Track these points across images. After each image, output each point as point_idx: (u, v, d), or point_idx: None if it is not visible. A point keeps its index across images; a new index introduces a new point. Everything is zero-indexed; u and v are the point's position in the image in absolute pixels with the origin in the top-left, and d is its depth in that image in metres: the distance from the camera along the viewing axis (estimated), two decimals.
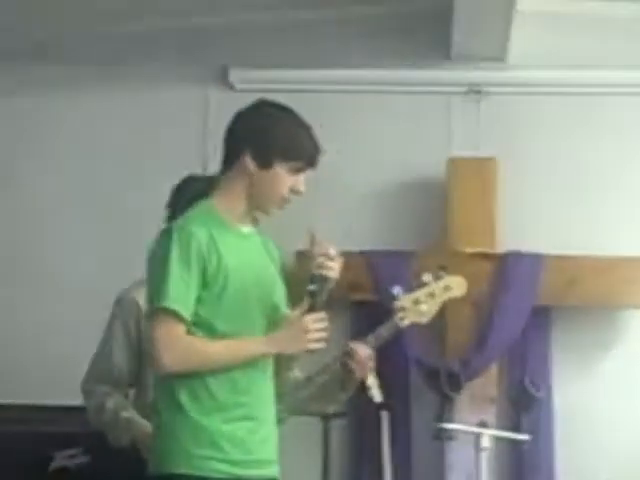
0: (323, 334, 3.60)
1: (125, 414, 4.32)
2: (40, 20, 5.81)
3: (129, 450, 4.23)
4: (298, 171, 3.67)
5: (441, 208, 5.79)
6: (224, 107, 5.26)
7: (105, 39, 5.96)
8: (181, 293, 3.58)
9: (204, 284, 3.62)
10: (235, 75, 5.88)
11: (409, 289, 4.39)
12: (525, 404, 5.47)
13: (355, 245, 5.49)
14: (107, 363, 4.44)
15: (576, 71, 5.88)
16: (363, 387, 4.44)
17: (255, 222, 3.83)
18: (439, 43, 5.80)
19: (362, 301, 5.52)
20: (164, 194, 4.42)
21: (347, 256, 4.98)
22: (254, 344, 3.65)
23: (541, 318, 5.69)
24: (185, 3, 5.71)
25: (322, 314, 3.61)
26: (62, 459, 5.22)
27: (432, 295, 4.34)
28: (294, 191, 3.69)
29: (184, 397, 3.59)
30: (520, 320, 5.61)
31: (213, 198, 3.77)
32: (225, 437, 3.58)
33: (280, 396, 3.87)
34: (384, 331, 4.26)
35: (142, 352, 4.40)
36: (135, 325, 4.34)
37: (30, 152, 6.05)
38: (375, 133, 5.88)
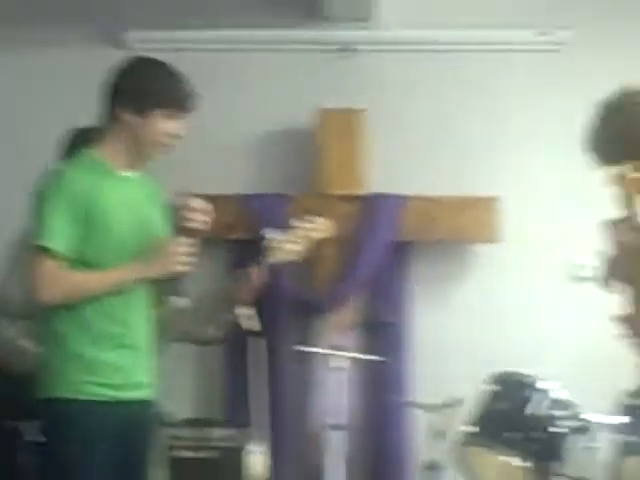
0: (188, 259, 3.75)
1: (21, 342, 4.46)
2: None
3: (25, 377, 4.18)
4: (172, 117, 3.76)
5: (313, 155, 5.92)
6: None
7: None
8: (58, 232, 3.68)
9: (84, 223, 3.69)
10: (133, 35, 5.91)
11: (281, 230, 4.56)
12: (382, 330, 5.65)
13: (233, 189, 5.75)
14: (5, 289, 4.50)
15: (440, 30, 6.04)
16: (239, 316, 4.66)
17: (143, 167, 3.89)
18: (312, 4, 5.87)
19: (238, 240, 5.67)
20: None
21: (225, 199, 5.36)
22: (123, 271, 3.75)
23: (402, 253, 5.92)
24: None
25: (187, 239, 3.76)
26: None
27: (299, 236, 4.49)
28: (172, 135, 3.79)
29: (63, 328, 3.70)
30: (381, 255, 5.84)
31: (96, 147, 3.84)
32: (102, 364, 3.69)
33: (164, 323, 3.99)
34: (258, 265, 4.42)
35: None
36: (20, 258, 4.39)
37: None
38: (252, 89, 6.00)
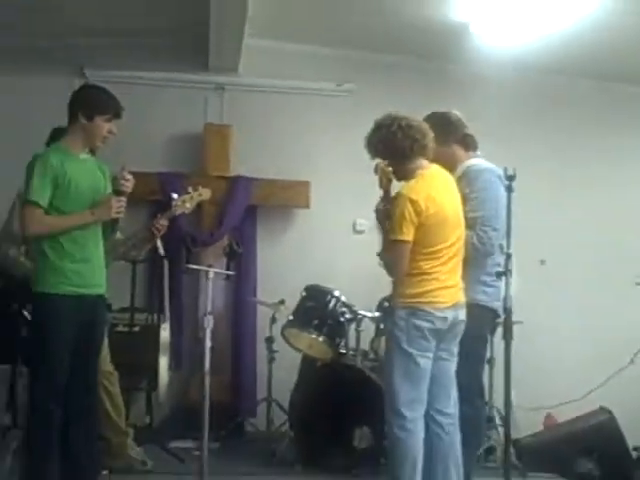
0: (121, 209, 3.82)
1: (21, 259, 4.45)
2: None
3: (24, 279, 4.17)
4: (109, 120, 3.81)
5: (201, 150, 5.96)
6: None
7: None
8: (39, 190, 3.70)
9: (55, 186, 3.71)
10: (89, 72, 5.84)
11: (181, 194, 4.49)
12: (236, 257, 5.47)
13: (154, 169, 5.74)
14: (10, 227, 4.47)
15: (277, 80, 6.07)
16: (155, 246, 4.65)
17: (92, 152, 3.91)
18: (201, 59, 5.88)
19: (155, 200, 5.61)
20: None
21: (147, 175, 5.41)
22: (83, 216, 3.78)
23: (252, 212, 6.02)
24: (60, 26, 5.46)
25: (121, 198, 3.81)
26: None
27: (192, 198, 4.44)
28: (110, 132, 3.84)
29: (46, 249, 3.74)
30: (240, 213, 5.92)
31: (64, 139, 3.89)
32: (69, 271, 3.74)
33: (109, 249, 4.03)
34: (167, 214, 4.37)
35: None
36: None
37: None
38: (161, 111, 5.94)
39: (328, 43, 5.96)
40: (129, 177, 3.87)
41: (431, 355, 3.64)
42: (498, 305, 3.88)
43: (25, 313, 4.42)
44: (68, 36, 5.65)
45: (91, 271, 3.85)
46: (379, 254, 3.77)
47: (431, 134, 3.71)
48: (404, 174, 3.71)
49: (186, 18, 5.40)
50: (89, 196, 3.86)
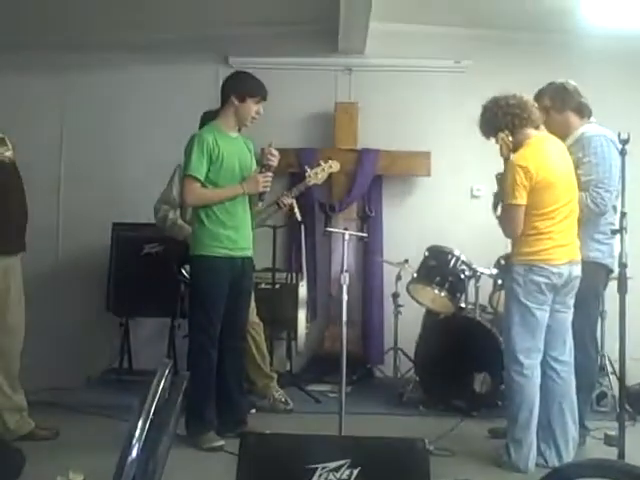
0: (267, 183, 3.94)
1: (179, 222, 4.54)
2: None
3: (183, 242, 4.35)
4: (258, 102, 3.95)
5: (332, 126, 5.92)
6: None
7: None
8: (197, 166, 3.86)
9: (210, 161, 3.86)
10: (233, 60, 5.86)
11: (314, 167, 4.58)
12: (367, 219, 5.76)
13: (291, 145, 5.68)
14: (169, 194, 4.56)
15: (400, 59, 5.96)
16: (292, 212, 4.70)
17: (240, 130, 4.04)
18: (331, 43, 5.84)
19: (292, 172, 5.64)
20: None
21: (286, 150, 5.25)
22: (234, 188, 3.91)
23: (378, 181, 5.95)
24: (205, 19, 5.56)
25: (267, 173, 3.93)
26: (148, 248, 5.39)
27: (323, 170, 4.52)
28: (258, 113, 3.99)
29: (203, 217, 3.92)
30: (367, 182, 5.87)
31: (217, 120, 4.02)
32: (224, 236, 3.90)
33: (253, 216, 4.13)
34: (301, 186, 4.50)
35: None
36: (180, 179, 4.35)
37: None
38: (297, 92, 5.89)
39: (446, 23, 5.82)
40: (275, 153, 3.96)
41: (547, 308, 3.62)
42: (611, 262, 3.82)
43: (184, 272, 4.56)
44: (213, 27, 5.75)
45: (241, 236, 3.96)
46: (499, 218, 3.75)
47: (532, 106, 3.69)
48: (514, 145, 3.67)
49: (317, 7, 5.42)
50: (239, 170, 3.96)
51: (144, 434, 1.66)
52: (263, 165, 3.98)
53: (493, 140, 3.74)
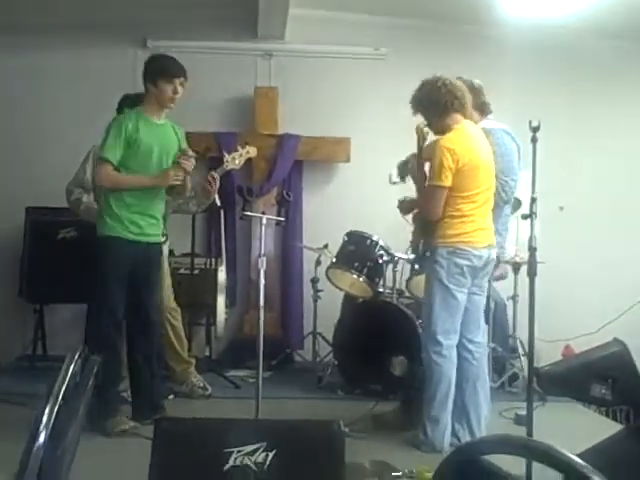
0: (178, 178, 3.88)
1: (94, 205, 4.38)
2: None
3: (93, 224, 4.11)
4: (171, 82, 3.81)
5: (252, 111, 5.90)
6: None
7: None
8: (111, 149, 3.79)
9: (127, 146, 3.80)
10: (150, 43, 5.81)
11: (233, 151, 4.49)
12: (286, 204, 5.82)
13: (211, 129, 5.73)
14: (82, 176, 4.48)
15: (319, 45, 5.96)
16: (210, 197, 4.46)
17: (166, 114, 3.92)
18: (251, 28, 5.86)
19: (212, 156, 5.21)
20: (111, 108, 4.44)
21: (205, 134, 5.46)
22: (148, 179, 3.87)
23: (298, 166, 5.97)
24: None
25: (178, 171, 3.87)
26: (63, 233, 5.26)
27: (241, 155, 4.43)
28: (175, 92, 3.84)
29: (111, 199, 3.84)
30: (287, 168, 5.87)
31: (142, 105, 3.92)
32: (128, 219, 3.84)
33: (171, 204, 4.19)
34: (219, 171, 4.31)
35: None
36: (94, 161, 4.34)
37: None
38: (216, 76, 5.84)
39: (365, 10, 5.84)
40: (191, 158, 3.92)
41: (466, 290, 3.67)
42: (500, 252, 3.98)
43: None
44: (131, 10, 5.61)
45: (147, 222, 3.90)
46: (400, 205, 3.89)
47: (469, 95, 3.72)
48: (442, 128, 3.72)
49: None
50: (157, 157, 3.91)
51: (52, 420, 1.60)
52: (176, 162, 3.94)
53: (414, 121, 3.75)
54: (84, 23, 5.67)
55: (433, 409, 3.66)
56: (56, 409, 1.62)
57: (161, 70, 3.89)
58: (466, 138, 3.68)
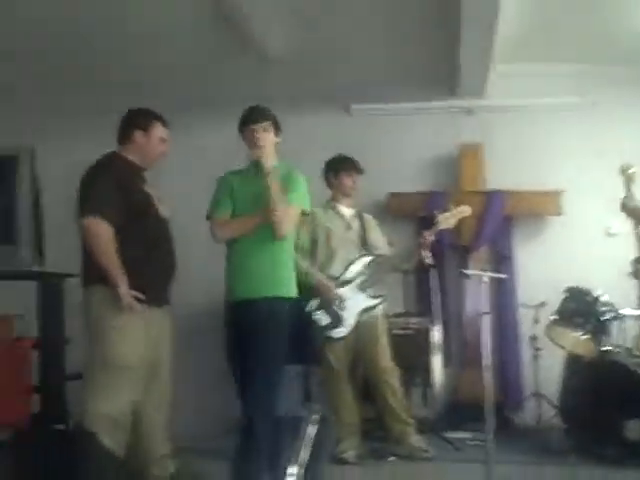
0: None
1: (311, 270, 4.38)
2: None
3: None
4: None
5: (456, 168, 5.77)
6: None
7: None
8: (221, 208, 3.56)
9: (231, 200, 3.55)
10: (354, 107, 5.86)
11: (441, 210, 4.54)
12: (501, 260, 5.62)
13: (415, 188, 5.66)
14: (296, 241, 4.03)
15: (521, 99, 5.80)
16: (423, 257, 4.54)
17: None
18: (448, 85, 5.75)
19: (420, 216, 5.47)
20: None
21: (411, 195, 5.50)
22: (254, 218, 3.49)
23: (507, 222, 5.78)
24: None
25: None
26: None
27: (454, 214, 4.48)
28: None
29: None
30: (496, 224, 5.69)
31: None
32: (239, 277, 3.48)
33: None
34: (432, 231, 4.42)
35: (316, 239, 4.48)
36: (313, 227, 4.44)
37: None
38: (418, 136, 5.82)
39: (572, 59, 5.61)
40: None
41: None
42: None
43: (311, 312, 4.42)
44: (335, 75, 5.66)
45: (258, 275, 3.49)
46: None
47: None
48: None
49: (437, 50, 5.32)
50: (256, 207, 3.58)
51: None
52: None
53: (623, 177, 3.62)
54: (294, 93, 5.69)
55: None
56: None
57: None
58: None
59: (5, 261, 4.28)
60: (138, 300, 3.30)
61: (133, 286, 3.29)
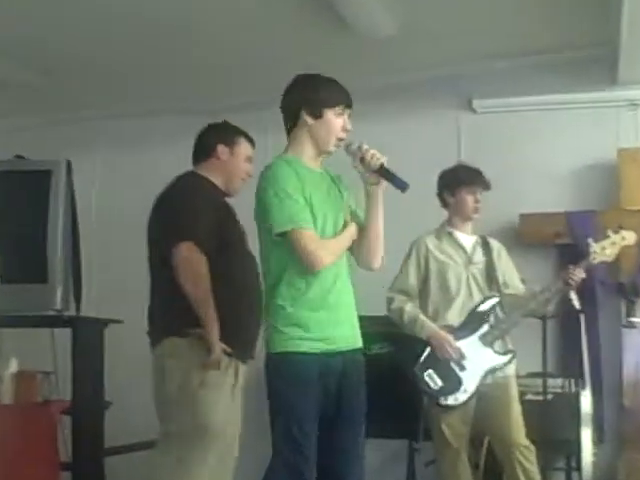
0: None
1: (421, 317, 3.88)
2: None
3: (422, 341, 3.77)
4: (341, 114, 2.83)
5: (614, 180, 4.91)
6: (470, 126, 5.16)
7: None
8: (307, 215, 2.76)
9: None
10: (476, 102, 5.24)
11: (596, 239, 3.89)
12: None
13: (557, 207, 4.90)
14: (405, 280, 3.96)
15: None
16: (568, 299, 4.05)
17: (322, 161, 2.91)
18: (606, 74, 4.96)
19: (563, 244, 4.83)
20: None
21: (552, 215, 4.86)
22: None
23: None
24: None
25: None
26: (377, 349, 4.64)
27: (613, 243, 3.85)
28: (345, 130, 2.88)
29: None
30: None
31: (286, 151, 2.88)
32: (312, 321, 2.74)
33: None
34: (584, 264, 3.82)
35: (427, 277, 3.92)
36: (424, 260, 3.92)
37: None
38: (560, 138, 5.07)
39: None
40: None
41: None
42: None
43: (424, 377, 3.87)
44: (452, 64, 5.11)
45: (339, 319, 2.84)
46: None
47: None
48: None
49: (587, 30, 4.60)
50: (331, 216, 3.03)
51: None
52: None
53: None
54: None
55: None
56: None
57: (330, 94, 2.90)
58: None
59: (31, 303, 3.66)
60: (227, 354, 3.09)
61: (221, 335, 3.07)
